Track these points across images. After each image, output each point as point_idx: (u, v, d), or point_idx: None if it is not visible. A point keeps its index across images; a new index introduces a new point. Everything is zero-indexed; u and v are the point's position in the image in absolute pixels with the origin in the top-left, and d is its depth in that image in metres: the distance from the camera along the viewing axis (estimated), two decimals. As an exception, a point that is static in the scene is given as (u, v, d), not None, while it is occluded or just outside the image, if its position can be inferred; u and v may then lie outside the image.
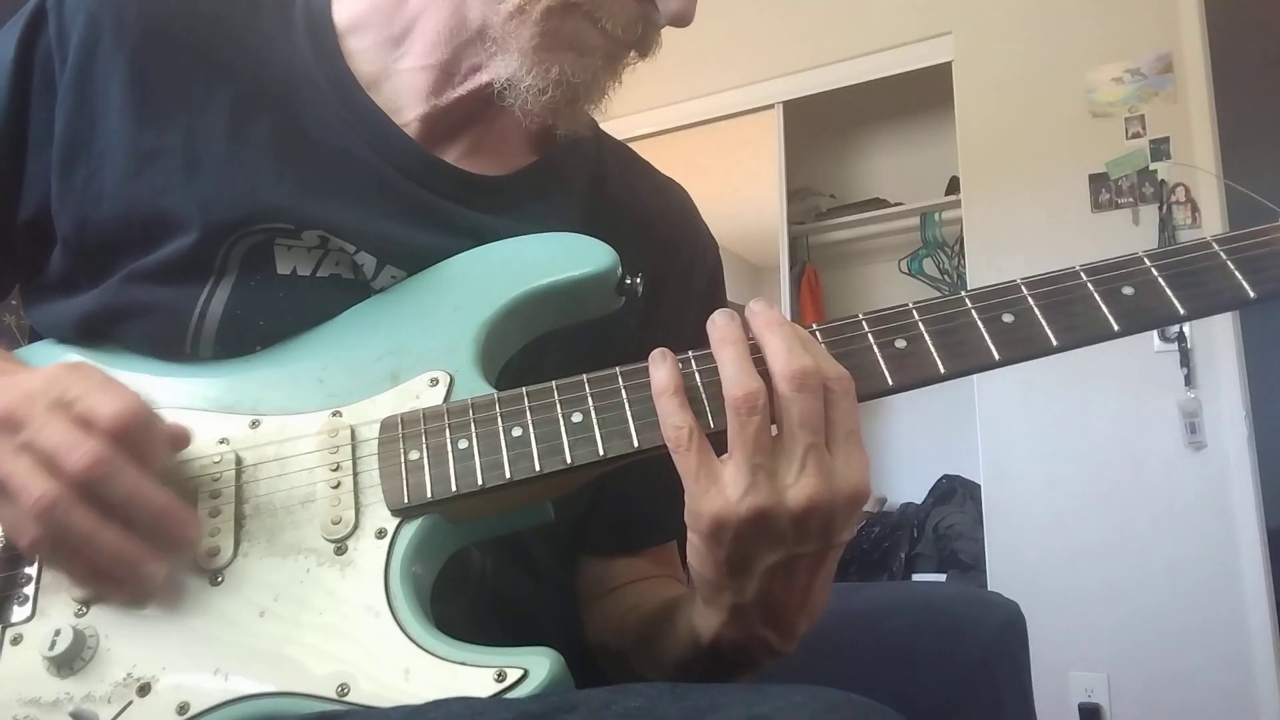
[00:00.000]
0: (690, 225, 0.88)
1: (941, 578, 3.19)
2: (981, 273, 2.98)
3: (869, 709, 0.44)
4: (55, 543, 0.51)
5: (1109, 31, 2.84)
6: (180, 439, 0.57)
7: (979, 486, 2.96)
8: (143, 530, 0.52)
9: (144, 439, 0.53)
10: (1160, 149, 2.72)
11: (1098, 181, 2.79)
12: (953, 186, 3.38)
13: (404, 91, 0.73)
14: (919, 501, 3.49)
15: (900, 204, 3.72)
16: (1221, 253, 0.55)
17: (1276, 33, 3.41)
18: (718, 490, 0.51)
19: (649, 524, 0.78)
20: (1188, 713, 2.46)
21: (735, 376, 0.52)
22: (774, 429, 0.52)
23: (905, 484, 3.70)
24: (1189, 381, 2.58)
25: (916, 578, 3.26)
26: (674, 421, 0.52)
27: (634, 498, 0.58)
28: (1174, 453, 2.60)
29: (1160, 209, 2.67)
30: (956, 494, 3.36)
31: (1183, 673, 2.48)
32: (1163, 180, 2.69)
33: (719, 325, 0.54)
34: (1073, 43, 2.89)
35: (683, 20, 0.67)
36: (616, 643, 0.74)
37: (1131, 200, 2.73)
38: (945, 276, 3.71)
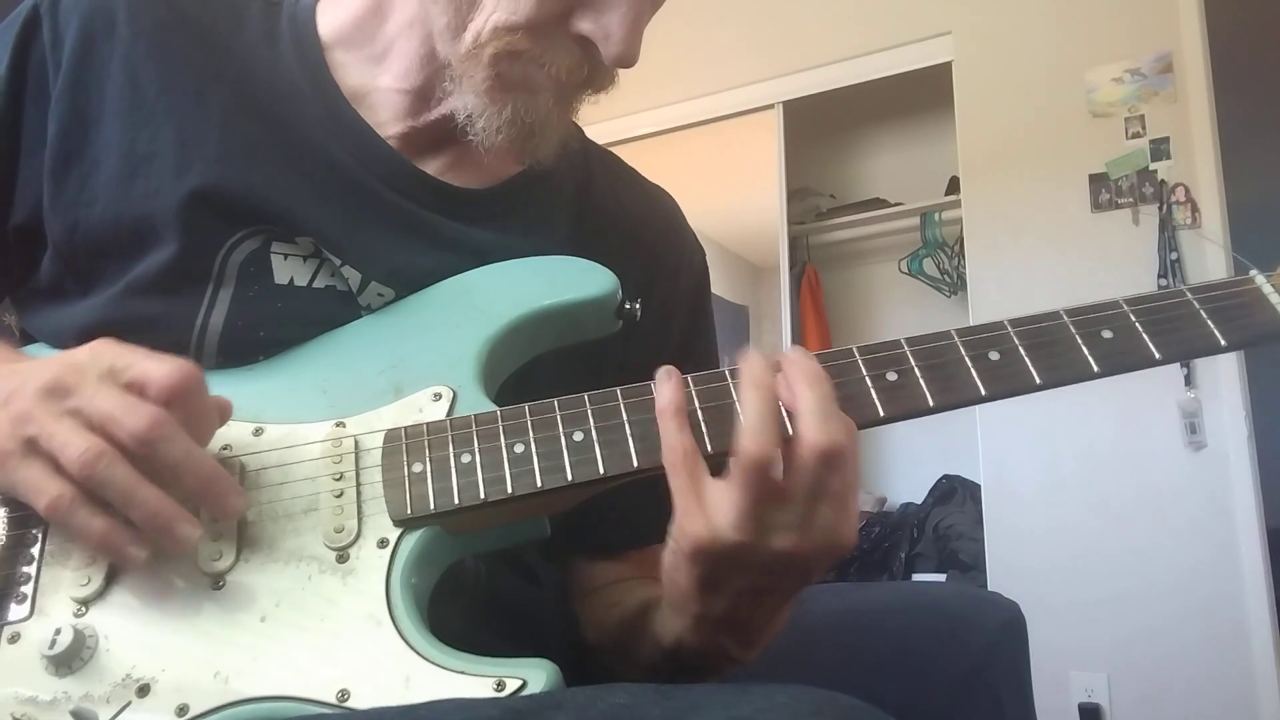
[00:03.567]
0: (676, 233, 0.88)
1: (941, 578, 3.19)
2: (982, 273, 2.98)
3: (853, 708, 0.45)
4: (85, 503, 0.51)
5: (1109, 31, 2.84)
6: (226, 409, 0.58)
7: (979, 486, 2.96)
8: (189, 496, 0.53)
9: (196, 405, 0.54)
10: (1160, 149, 2.72)
11: (1098, 181, 2.79)
12: (953, 186, 3.38)
13: (386, 107, 0.73)
14: (919, 501, 3.48)
15: (900, 204, 3.72)
16: (1195, 302, 0.58)
17: (1276, 33, 3.41)
18: (705, 515, 0.51)
19: (632, 528, 0.79)
20: (1188, 713, 2.46)
21: (757, 430, 0.51)
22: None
23: (905, 484, 3.70)
24: (1189, 381, 2.58)
25: (916, 578, 3.25)
26: (673, 442, 0.53)
27: (619, 503, 0.59)
28: (1174, 453, 2.60)
29: (1160, 209, 2.67)
30: (956, 494, 3.35)
31: (1183, 672, 2.48)
32: (1163, 180, 2.69)
33: (755, 366, 0.53)
34: (1073, 43, 2.89)
35: (626, 62, 0.67)
36: (597, 640, 0.75)
37: (1131, 200, 2.73)
38: (945, 276, 3.71)
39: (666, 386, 0.55)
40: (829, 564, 0.53)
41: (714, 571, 0.53)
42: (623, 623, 0.72)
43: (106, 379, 0.53)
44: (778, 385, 0.53)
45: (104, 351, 0.54)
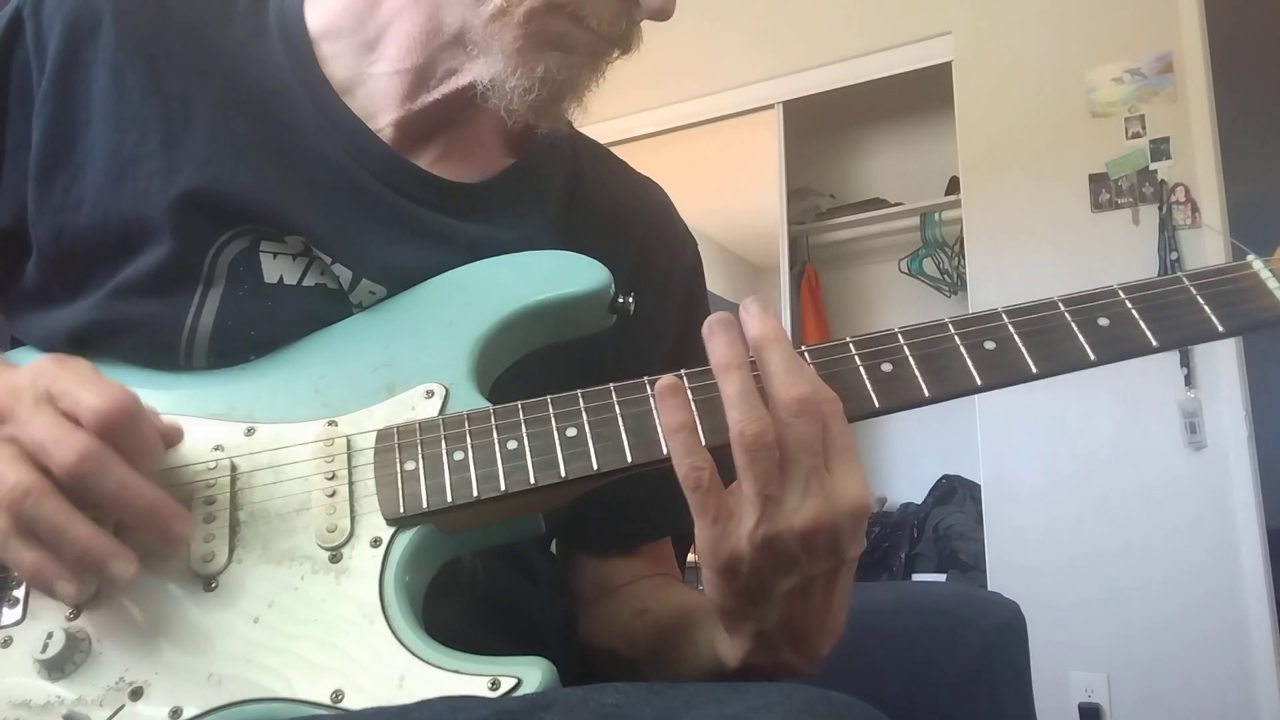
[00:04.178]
0: (668, 224, 0.87)
1: (941, 578, 3.19)
2: (981, 273, 2.98)
3: (846, 706, 0.44)
4: (17, 535, 0.50)
5: (1109, 31, 2.84)
6: (172, 435, 0.57)
7: (979, 486, 2.96)
8: (132, 527, 0.52)
9: (133, 434, 0.52)
10: (1160, 149, 2.72)
11: (1098, 181, 2.79)
12: (953, 186, 3.38)
13: (378, 96, 0.73)
14: (919, 501, 3.48)
15: (900, 204, 3.72)
16: (1192, 288, 0.57)
17: (1276, 33, 3.41)
18: (733, 527, 0.50)
19: (643, 522, 0.78)
20: (1188, 713, 2.46)
21: (746, 413, 0.50)
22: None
23: (905, 484, 3.70)
24: (1189, 381, 2.58)
25: (916, 578, 3.26)
26: (693, 462, 0.51)
27: (626, 497, 0.58)
28: (1174, 453, 2.60)
29: (1160, 209, 2.67)
30: (956, 494, 3.35)
31: (1183, 673, 2.48)
32: (1163, 180, 2.69)
33: (720, 345, 0.53)
34: (1073, 43, 2.89)
35: (663, 14, 0.67)
36: (629, 651, 0.73)
37: (1131, 200, 2.73)
38: (945, 276, 3.71)
39: (671, 402, 0.53)
40: (854, 534, 0.52)
41: (754, 579, 0.52)
42: (658, 635, 0.70)
43: (43, 403, 0.51)
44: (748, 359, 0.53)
45: (44, 372, 0.53)
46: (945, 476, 3.41)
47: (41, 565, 0.50)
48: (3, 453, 0.50)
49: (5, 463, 0.50)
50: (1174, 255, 2.61)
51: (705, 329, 0.54)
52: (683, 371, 0.56)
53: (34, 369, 0.54)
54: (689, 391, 0.55)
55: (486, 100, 0.68)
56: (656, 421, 0.55)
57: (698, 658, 0.62)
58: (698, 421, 0.54)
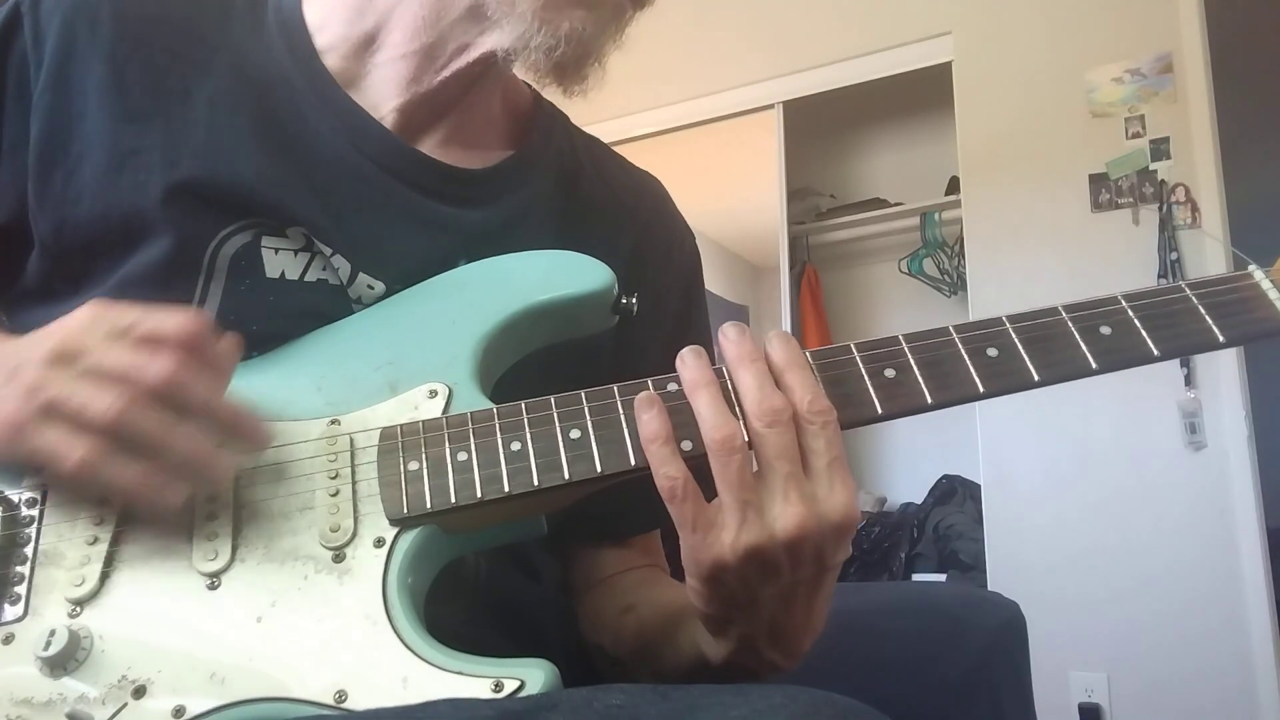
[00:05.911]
0: (666, 217, 0.88)
1: (941, 578, 3.19)
2: (982, 273, 2.98)
3: (850, 709, 0.44)
4: (116, 453, 0.50)
5: (1109, 31, 2.84)
6: (235, 352, 0.58)
7: (979, 486, 2.96)
8: (221, 433, 0.53)
9: (210, 350, 0.54)
10: (1160, 149, 2.72)
11: (1098, 181, 2.79)
12: (953, 186, 3.38)
13: (380, 84, 0.73)
14: (919, 501, 3.48)
15: (900, 204, 3.72)
16: (1194, 298, 0.57)
17: (1276, 33, 3.41)
18: (714, 536, 0.51)
19: (633, 514, 0.79)
20: (1188, 713, 2.46)
21: (712, 420, 0.52)
22: (755, 464, 0.53)
23: (905, 484, 3.70)
24: (1189, 381, 2.58)
25: (916, 578, 3.25)
26: (667, 471, 0.52)
27: (617, 489, 0.59)
28: (1174, 453, 2.60)
29: (1160, 209, 2.67)
30: (956, 494, 3.35)
31: (1183, 673, 2.48)
32: (1163, 180, 2.69)
33: (690, 367, 0.55)
34: (1073, 43, 2.89)
35: None
36: (614, 647, 0.74)
37: (1131, 200, 2.73)
38: (945, 276, 3.71)
39: (648, 413, 0.54)
40: (839, 544, 0.52)
41: (739, 587, 0.52)
42: (644, 633, 0.71)
43: (114, 337, 0.52)
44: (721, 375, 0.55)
45: (102, 312, 0.54)
46: (945, 476, 3.41)
47: (149, 475, 0.52)
48: (86, 382, 0.51)
49: (94, 389, 0.50)
50: (1174, 255, 2.61)
51: (678, 359, 0.56)
52: (672, 388, 0.57)
53: (85, 312, 0.54)
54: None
55: (510, 64, 0.69)
56: None
57: (680, 656, 0.62)
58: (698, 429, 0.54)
